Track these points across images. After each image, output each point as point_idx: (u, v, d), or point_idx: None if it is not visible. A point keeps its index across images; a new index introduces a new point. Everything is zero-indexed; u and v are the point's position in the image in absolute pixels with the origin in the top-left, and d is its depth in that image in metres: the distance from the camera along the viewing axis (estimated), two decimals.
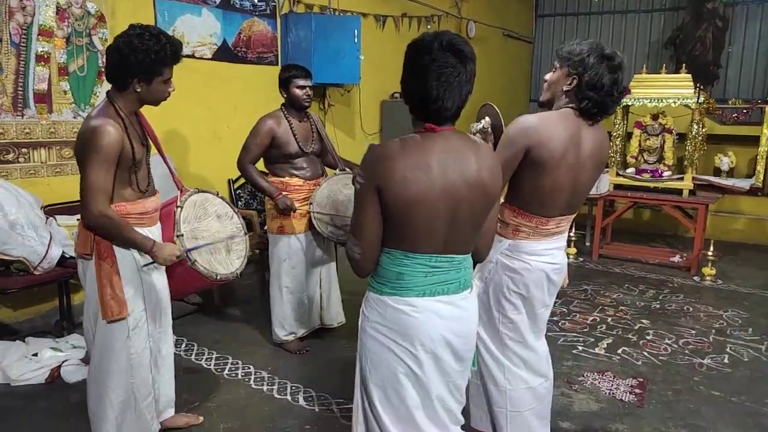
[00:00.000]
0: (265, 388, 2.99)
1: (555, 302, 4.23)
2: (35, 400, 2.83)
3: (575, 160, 1.95)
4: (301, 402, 2.85)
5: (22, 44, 3.39)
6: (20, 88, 3.41)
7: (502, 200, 2.05)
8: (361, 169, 1.49)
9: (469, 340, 1.63)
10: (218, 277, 2.44)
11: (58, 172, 3.66)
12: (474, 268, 1.69)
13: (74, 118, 3.68)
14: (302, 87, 3.22)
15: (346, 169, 3.36)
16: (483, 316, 2.11)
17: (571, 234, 5.46)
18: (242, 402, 2.85)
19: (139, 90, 2.11)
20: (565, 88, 1.94)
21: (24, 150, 3.48)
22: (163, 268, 2.35)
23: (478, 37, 7.91)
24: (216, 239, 2.50)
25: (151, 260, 2.19)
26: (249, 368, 3.19)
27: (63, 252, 3.36)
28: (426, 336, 1.53)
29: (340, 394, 2.89)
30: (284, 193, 3.19)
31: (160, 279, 2.35)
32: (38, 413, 2.72)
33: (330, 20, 5.16)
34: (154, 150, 2.37)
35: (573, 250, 5.51)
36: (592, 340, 3.65)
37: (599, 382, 3.07)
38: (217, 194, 2.63)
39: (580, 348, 3.51)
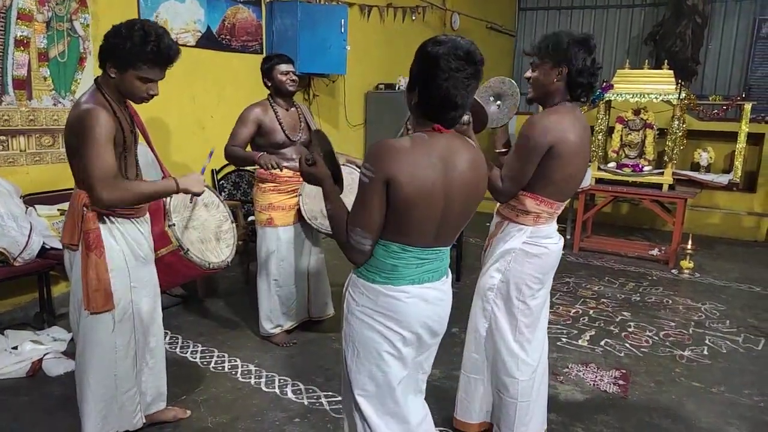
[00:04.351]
0: (252, 381, 2.97)
1: None
2: (17, 394, 2.77)
3: (587, 147, 2.13)
4: (290, 395, 2.84)
5: (0, 28, 3.28)
6: None
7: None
8: (370, 163, 1.50)
9: (446, 319, 1.75)
10: (210, 266, 2.43)
11: (38, 160, 3.57)
12: None
13: (54, 105, 3.59)
14: (285, 72, 3.19)
15: None
16: (501, 307, 2.19)
17: None
18: (230, 395, 2.83)
19: (113, 76, 2.05)
20: (555, 81, 2.03)
21: (2, 138, 3.38)
22: (152, 258, 2.32)
23: (462, 29, 7.90)
24: (208, 225, 2.50)
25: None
26: (235, 361, 3.16)
27: (43, 243, 3.29)
28: (413, 318, 1.63)
29: (329, 387, 2.89)
30: (271, 186, 3.17)
31: (148, 269, 2.31)
32: (20, 407, 2.66)
33: (316, 9, 5.09)
34: (140, 139, 2.32)
35: None
36: (576, 332, 3.70)
37: (584, 374, 3.13)
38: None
39: (564, 340, 3.57)
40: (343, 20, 5.13)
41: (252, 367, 3.10)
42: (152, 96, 2.12)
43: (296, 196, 3.21)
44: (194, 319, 3.74)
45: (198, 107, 4.53)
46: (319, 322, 3.59)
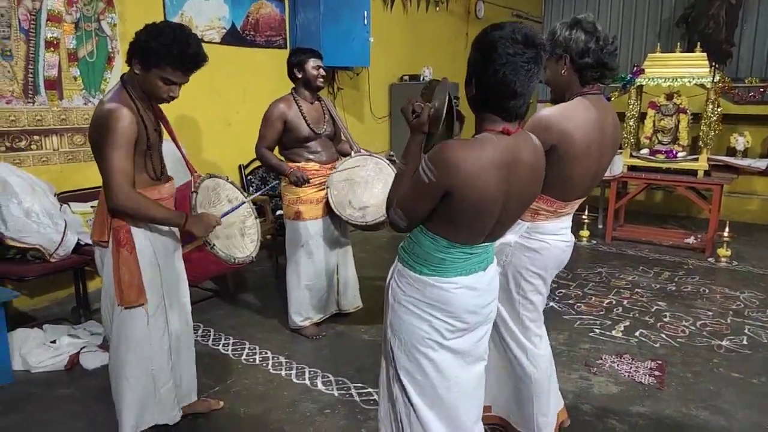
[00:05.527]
0: (283, 372, 2.99)
1: (569, 285, 4.24)
2: (55, 387, 2.84)
3: (599, 147, 1.97)
4: (320, 386, 2.85)
5: (31, 30, 3.36)
6: (30, 75, 3.39)
7: None
8: (434, 166, 1.44)
9: (493, 304, 1.74)
10: (236, 261, 2.45)
11: (71, 159, 3.65)
12: None
13: (85, 104, 3.66)
14: (317, 67, 3.20)
15: (362, 150, 3.33)
16: (504, 301, 2.13)
17: (584, 216, 5.42)
18: (261, 387, 2.86)
19: (138, 73, 2.07)
20: (564, 73, 1.95)
21: (36, 137, 3.46)
22: (180, 253, 2.35)
23: (486, 18, 7.79)
24: (232, 221, 2.51)
25: (187, 240, 2.20)
26: (266, 353, 3.19)
27: (78, 239, 3.36)
28: (461, 307, 1.61)
29: (358, 378, 2.89)
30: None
31: (177, 265, 2.35)
32: (59, 400, 2.73)
33: (339, 1, 5.07)
34: (165, 136, 2.35)
35: (586, 233, 5.47)
36: (609, 322, 3.63)
37: (618, 365, 3.06)
38: (227, 179, 2.62)
39: (597, 331, 3.50)
40: (366, 12, 5.10)
41: (282, 359, 3.12)
42: (172, 98, 2.13)
43: (324, 188, 3.21)
44: (225, 312, 3.79)
45: (223, 103, 4.57)
46: (347, 315, 3.59)
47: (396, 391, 1.70)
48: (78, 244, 3.37)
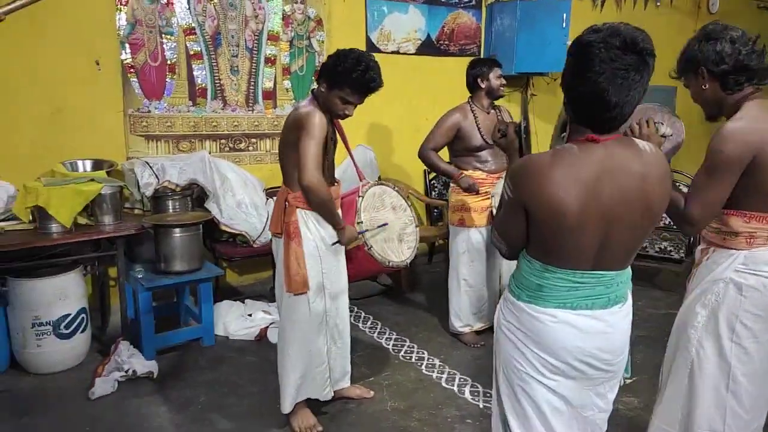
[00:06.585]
0: (434, 375, 3.07)
1: None
2: (246, 354, 3.33)
3: None
4: (467, 395, 2.87)
5: (254, 49, 3.97)
6: (252, 87, 4.01)
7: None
8: (509, 181, 1.42)
9: (616, 354, 1.49)
10: (390, 264, 2.60)
11: (278, 160, 4.20)
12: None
13: None
14: (499, 76, 3.24)
15: None
16: (708, 350, 1.85)
17: None
18: (411, 385, 2.98)
19: (323, 90, 2.35)
20: (705, 87, 1.78)
21: (253, 140, 4.08)
22: (344, 251, 2.58)
23: (722, 12, 6.82)
24: (392, 226, 2.68)
25: (337, 240, 2.46)
26: (423, 353, 3.31)
27: None
28: (560, 346, 1.43)
29: None
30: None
31: (339, 261, 2.58)
32: (246, 365, 3.20)
33: (536, 6, 4.93)
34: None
35: None
36: None
37: None
38: (394, 187, 2.78)
39: None
40: (564, 14, 4.87)
41: (437, 362, 3.21)
42: (347, 116, 2.40)
43: (489, 198, 3.20)
44: (394, 308, 4.01)
45: (413, 111, 4.79)
46: None
47: (501, 418, 1.61)
48: None
